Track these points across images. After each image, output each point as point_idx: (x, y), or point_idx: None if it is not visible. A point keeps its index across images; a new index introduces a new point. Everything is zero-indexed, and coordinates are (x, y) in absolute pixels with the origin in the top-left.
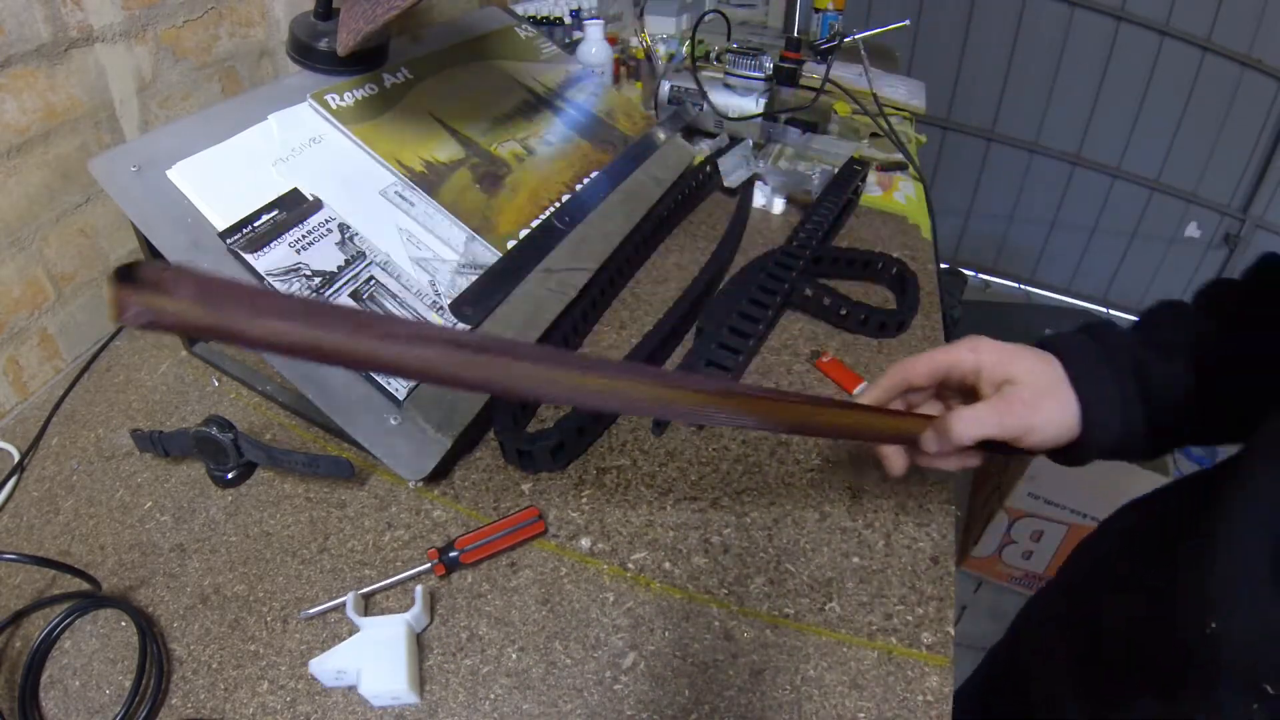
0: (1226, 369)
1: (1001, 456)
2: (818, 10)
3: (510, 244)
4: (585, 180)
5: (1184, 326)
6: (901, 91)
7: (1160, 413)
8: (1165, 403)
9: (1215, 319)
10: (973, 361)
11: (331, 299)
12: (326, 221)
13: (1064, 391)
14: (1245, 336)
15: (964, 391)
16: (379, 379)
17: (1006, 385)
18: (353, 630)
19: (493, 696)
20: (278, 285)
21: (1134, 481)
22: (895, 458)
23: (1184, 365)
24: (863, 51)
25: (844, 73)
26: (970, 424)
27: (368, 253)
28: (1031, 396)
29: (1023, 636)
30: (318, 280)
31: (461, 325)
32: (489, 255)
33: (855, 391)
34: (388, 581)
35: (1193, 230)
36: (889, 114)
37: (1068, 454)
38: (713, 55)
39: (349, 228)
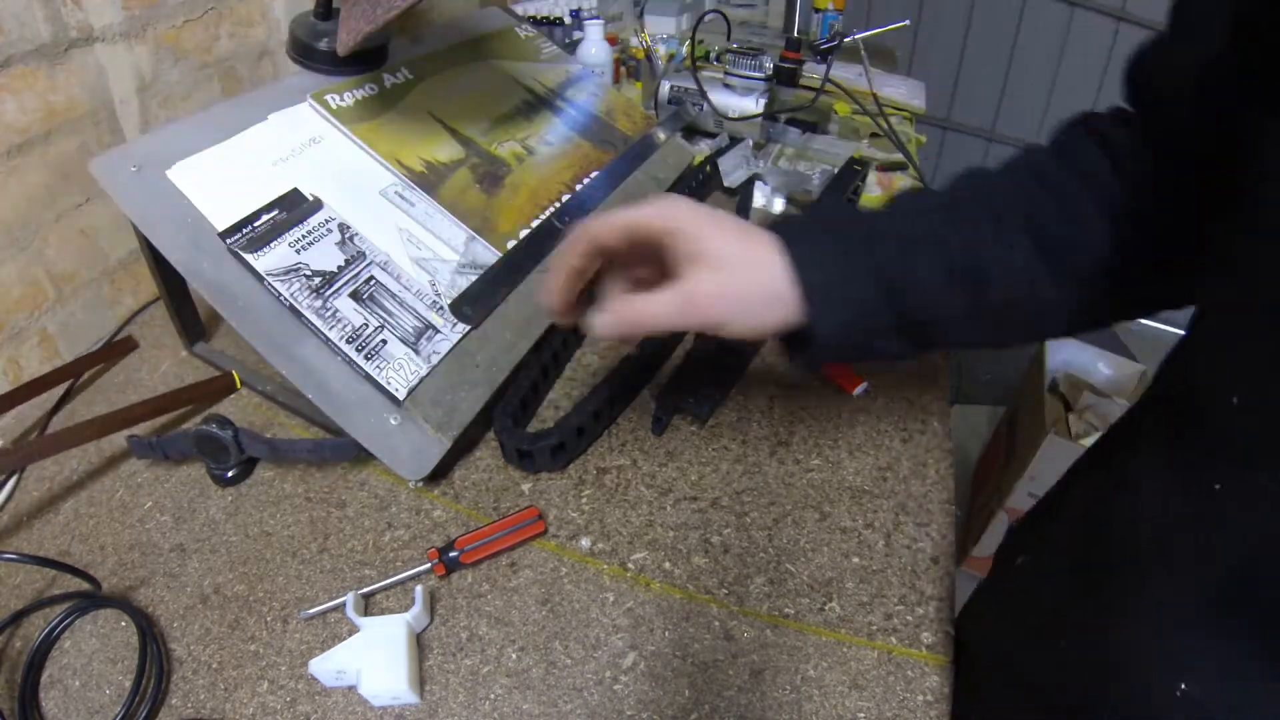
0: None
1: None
2: (818, 10)
3: (510, 244)
4: (585, 180)
5: (945, 208)
6: (901, 91)
7: (911, 303)
8: (915, 287)
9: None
10: (661, 226)
11: (334, 299)
12: (326, 221)
13: (772, 274)
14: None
15: (656, 260)
16: (379, 379)
17: (698, 264)
18: (353, 630)
19: (493, 696)
20: (278, 285)
21: None
22: (561, 305)
23: (929, 258)
24: (863, 51)
25: (844, 73)
26: (643, 315)
27: (368, 253)
28: (722, 284)
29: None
30: (317, 280)
31: (461, 325)
32: (489, 255)
33: (855, 392)
34: (388, 581)
35: None
36: (889, 114)
37: (793, 348)
38: (713, 55)
39: (349, 228)
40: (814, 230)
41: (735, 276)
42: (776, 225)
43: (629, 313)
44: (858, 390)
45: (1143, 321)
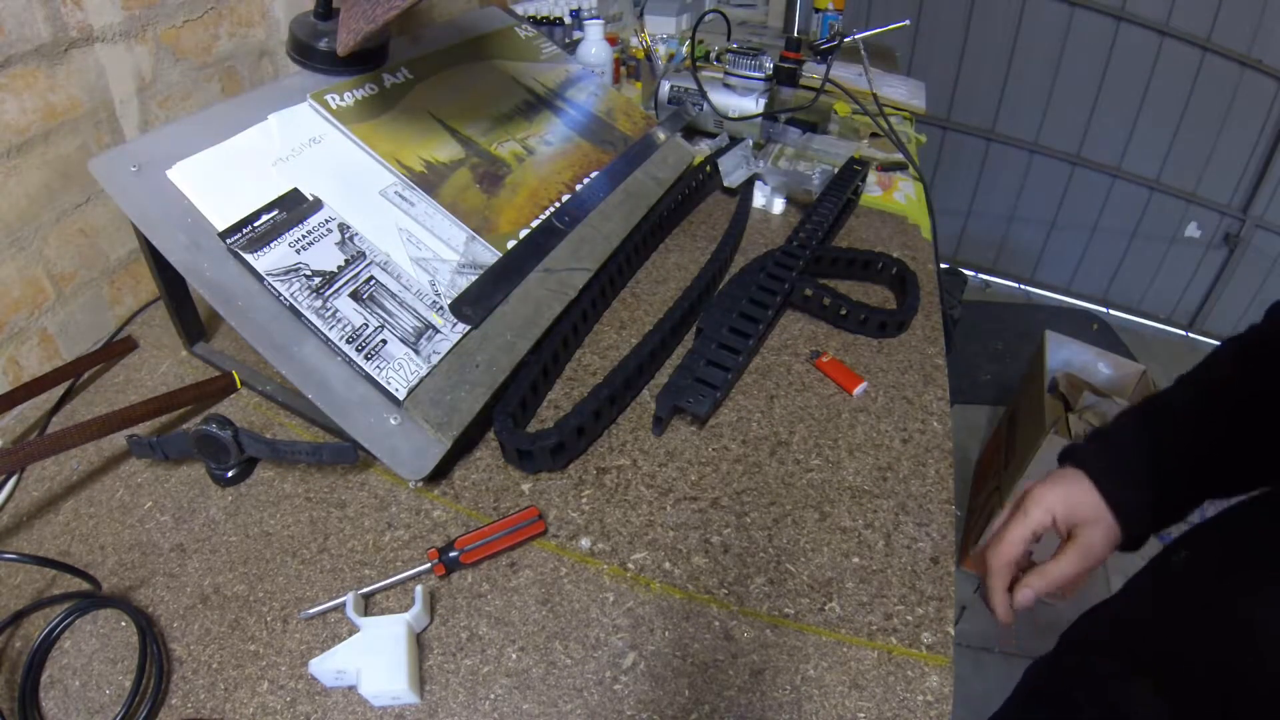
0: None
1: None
2: (818, 10)
3: (510, 244)
4: (585, 180)
5: (1187, 399)
6: (901, 91)
7: (1177, 482)
8: (1179, 479)
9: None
10: (1050, 521)
11: (334, 299)
12: (326, 221)
13: (1103, 510)
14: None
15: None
16: (379, 379)
17: (1078, 528)
18: (353, 630)
19: (493, 696)
20: (278, 285)
21: None
22: (1004, 607)
23: (1190, 437)
24: (863, 51)
25: (844, 73)
26: (1059, 576)
27: (368, 253)
28: (1095, 537)
29: (1085, 653)
30: (317, 280)
31: (461, 325)
32: (489, 255)
33: (855, 392)
34: (388, 581)
35: (1193, 230)
36: (889, 114)
37: (1126, 545)
38: (713, 55)
39: (349, 228)
40: (1107, 464)
41: (1097, 525)
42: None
43: (1048, 580)
44: (858, 390)
45: (1142, 321)
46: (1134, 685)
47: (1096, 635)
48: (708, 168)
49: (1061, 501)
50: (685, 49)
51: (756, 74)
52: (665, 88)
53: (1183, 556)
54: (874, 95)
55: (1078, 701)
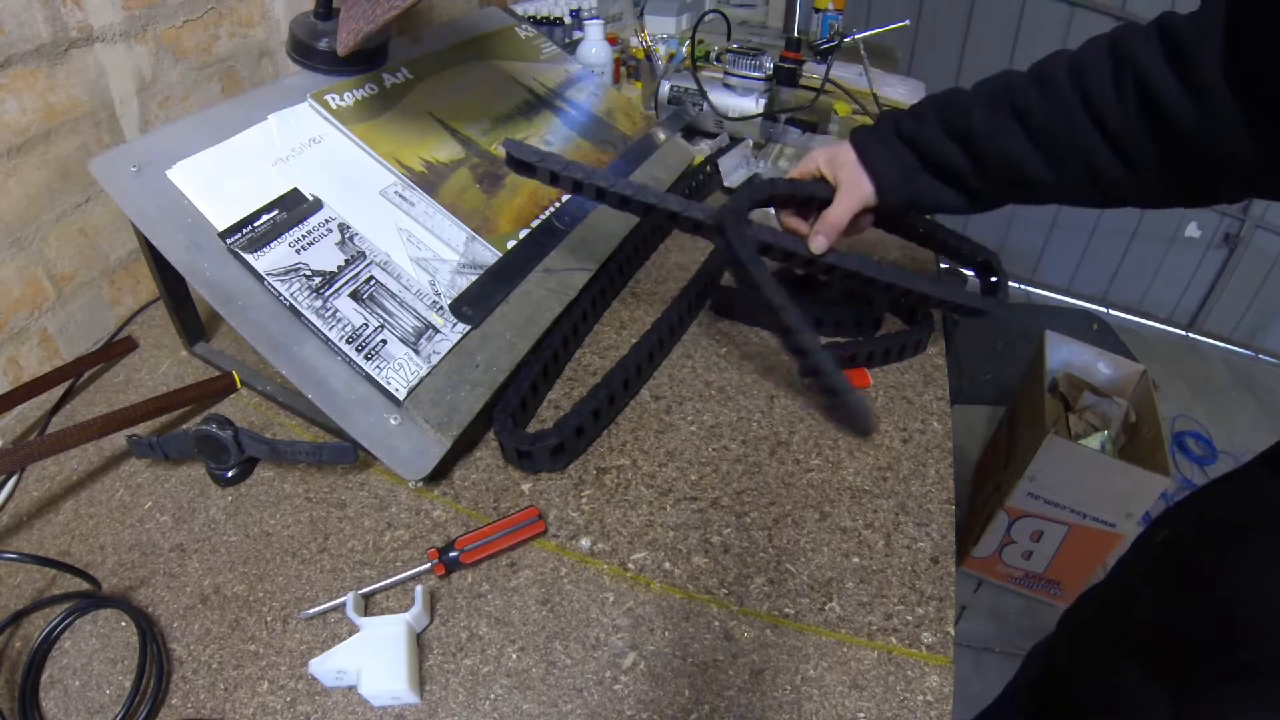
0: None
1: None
2: (818, 10)
3: (510, 244)
4: None
5: (961, 103)
6: (901, 91)
7: (937, 167)
8: (938, 159)
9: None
10: (814, 167)
11: (334, 299)
12: (326, 221)
13: (856, 163)
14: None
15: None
16: (379, 379)
17: (839, 172)
18: (353, 630)
19: (493, 696)
20: (278, 285)
21: (1135, 482)
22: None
23: (938, 128)
24: (863, 51)
25: (844, 73)
26: (840, 213)
27: (368, 253)
28: (855, 178)
29: (1077, 636)
30: (317, 280)
31: (461, 325)
32: (489, 255)
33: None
34: (388, 581)
35: (1193, 230)
36: None
37: (881, 213)
38: (713, 55)
39: (349, 228)
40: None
41: (857, 171)
42: (854, 135)
43: (828, 217)
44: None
45: (1142, 321)
46: (1129, 670)
47: (1091, 617)
48: (708, 168)
49: (827, 158)
50: (685, 49)
51: (756, 74)
52: (665, 88)
53: (1163, 536)
54: (874, 95)
55: (1078, 688)
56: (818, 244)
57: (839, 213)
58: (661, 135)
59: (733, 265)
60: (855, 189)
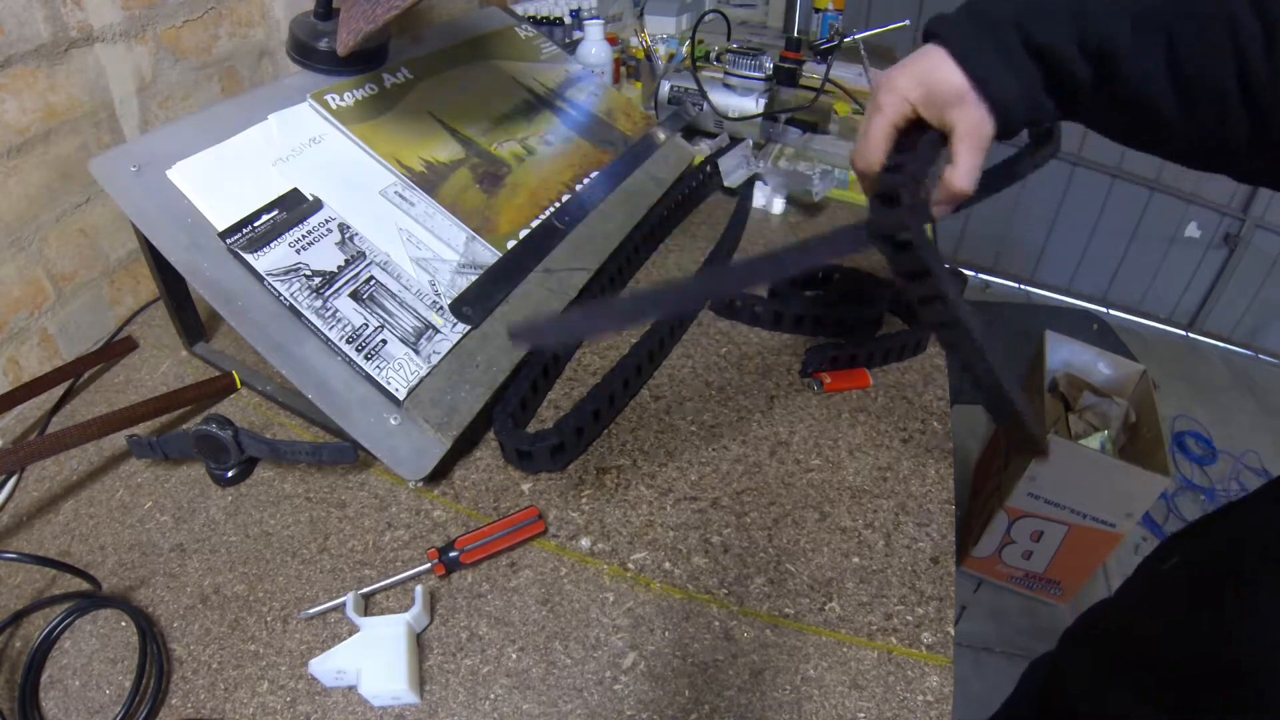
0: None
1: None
2: (818, 10)
3: (510, 244)
4: (585, 180)
5: None
6: None
7: (1058, 87)
8: (1065, 79)
9: None
10: (909, 107)
11: (334, 299)
12: (326, 221)
13: (966, 88)
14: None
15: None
16: (379, 379)
17: (946, 113)
18: (353, 630)
19: (493, 696)
20: (278, 285)
21: (1135, 482)
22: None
23: (1074, 38)
24: (863, 51)
25: (844, 73)
26: (967, 175)
27: (368, 253)
28: (976, 119)
29: (1080, 658)
30: (317, 280)
31: (461, 325)
32: (489, 255)
33: (855, 392)
34: (388, 581)
35: (1193, 230)
36: None
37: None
38: (713, 55)
39: (349, 228)
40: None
41: (970, 102)
42: (952, 38)
43: (950, 191)
44: (858, 390)
45: (1142, 321)
46: (1131, 697)
47: (1095, 635)
48: (708, 168)
49: (916, 84)
50: (685, 49)
51: (756, 74)
52: (665, 88)
53: (1173, 563)
54: None
55: (1080, 713)
56: (940, 212)
57: (966, 175)
58: (661, 135)
59: (919, 282)
60: (977, 132)
